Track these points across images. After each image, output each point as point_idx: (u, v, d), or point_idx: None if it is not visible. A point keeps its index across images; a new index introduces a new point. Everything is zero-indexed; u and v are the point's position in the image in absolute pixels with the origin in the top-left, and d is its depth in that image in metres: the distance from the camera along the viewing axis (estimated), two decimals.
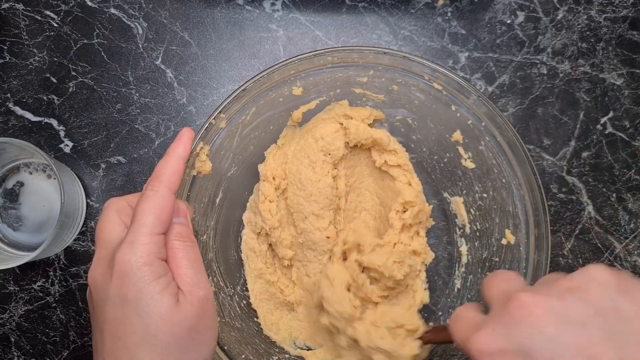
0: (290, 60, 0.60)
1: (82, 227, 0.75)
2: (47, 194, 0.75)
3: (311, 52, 0.60)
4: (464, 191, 0.69)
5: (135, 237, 0.46)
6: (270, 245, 0.72)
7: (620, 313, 0.38)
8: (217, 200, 0.66)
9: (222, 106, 0.59)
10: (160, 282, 0.46)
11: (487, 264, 0.66)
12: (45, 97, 0.77)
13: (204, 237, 0.63)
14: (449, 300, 0.69)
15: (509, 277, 0.45)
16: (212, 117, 0.59)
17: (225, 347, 0.57)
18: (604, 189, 0.76)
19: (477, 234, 0.68)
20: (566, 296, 0.39)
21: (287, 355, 0.64)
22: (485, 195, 0.66)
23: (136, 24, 0.78)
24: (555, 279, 0.41)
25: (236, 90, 0.59)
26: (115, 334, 0.45)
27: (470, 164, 0.66)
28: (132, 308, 0.45)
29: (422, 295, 0.70)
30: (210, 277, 0.63)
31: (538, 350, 0.38)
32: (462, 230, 0.70)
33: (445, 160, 0.69)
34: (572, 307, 0.38)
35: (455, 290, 0.69)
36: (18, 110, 0.77)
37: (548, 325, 0.38)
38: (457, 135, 0.65)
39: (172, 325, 0.45)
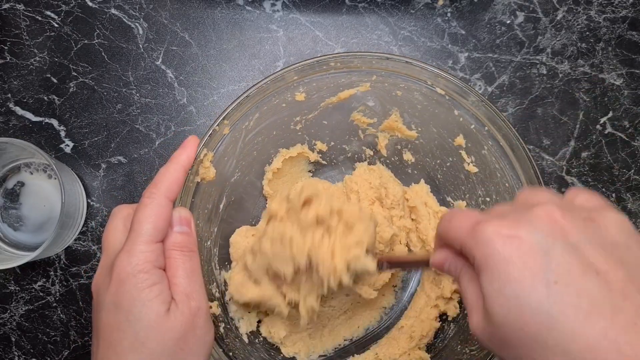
0: (292, 66, 0.60)
1: (82, 227, 0.75)
2: (47, 194, 0.75)
3: (313, 58, 0.60)
4: (467, 195, 0.69)
5: (133, 245, 0.47)
6: None
7: (631, 250, 0.37)
8: (221, 206, 0.66)
9: (226, 112, 0.59)
10: (153, 290, 0.46)
11: None
12: (45, 97, 0.77)
13: (208, 242, 0.63)
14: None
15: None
16: (216, 124, 0.59)
17: (230, 354, 0.57)
18: (603, 189, 0.76)
19: None
20: (587, 224, 0.37)
21: None
22: (488, 199, 0.66)
23: (137, 24, 0.78)
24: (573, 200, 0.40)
25: (239, 96, 0.59)
26: (108, 340, 0.46)
27: (473, 168, 0.66)
28: (124, 314, 0.46)
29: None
30: (214, 283, 0.63)
31: (557, 252, 0.36)
32: None
33: (448, 164, 0.69)
34: (592, 235, 0.37)
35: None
36: (19, 111, 0.77)
37: (572, 235, 0.37)
38: (460, 140, 0.65)
39: (160, 333, 0.46)
